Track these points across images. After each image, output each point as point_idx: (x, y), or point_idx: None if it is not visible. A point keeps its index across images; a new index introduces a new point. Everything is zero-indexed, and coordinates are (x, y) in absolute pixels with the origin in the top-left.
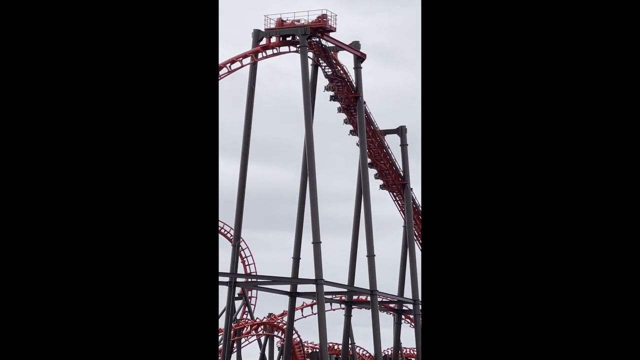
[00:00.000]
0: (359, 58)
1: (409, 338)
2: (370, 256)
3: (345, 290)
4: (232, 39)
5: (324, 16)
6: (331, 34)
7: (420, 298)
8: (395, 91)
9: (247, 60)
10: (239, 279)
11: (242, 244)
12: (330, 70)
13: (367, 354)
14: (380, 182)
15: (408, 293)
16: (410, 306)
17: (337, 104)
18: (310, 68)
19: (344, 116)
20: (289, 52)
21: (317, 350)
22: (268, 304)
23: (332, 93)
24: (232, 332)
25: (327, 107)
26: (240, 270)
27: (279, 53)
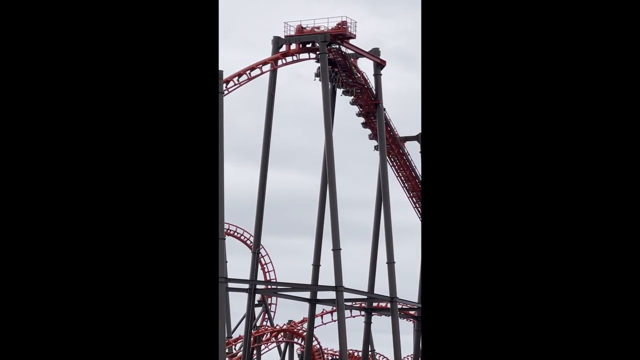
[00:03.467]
0: (379, 65)
1: None
2: (390, 263)
3: (365, 297)
4: (253, 45)
5: (343, 23)
6: (351, 41)
7: None
8: (416, 96)
9: (267, 67)
10: (258, 286)
11: (262, 250)
12: (350, 78)
13: None
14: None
15: None
16: None
17: (358, 109)
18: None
19: (364, 122)
20: (309, 59)
21: (337, 357)
22: (288, 311)
23: (351, 98)
24: (252, 339)
25: (347, 113)
26: (260, 277)
27: (299, 60)
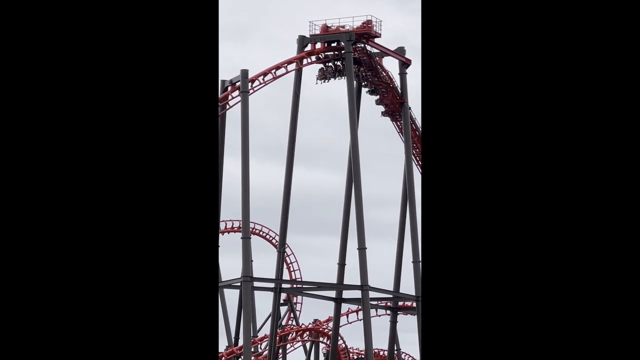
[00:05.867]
0: (404, 64)
1: None
2: (416, 262)
3: (391, 296)
4: (278, 43)
5: (368, 22)
6: (376, 40)
7: None
8: None
9: (292, 66)
10: (284, 285)
11: (287, 249)
12: (375, 77)
13: None
14: None
15: None
16: None
17: (383, 108)
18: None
19: (390, 120)
20: (334, 58)
21: (363, 356)
22: (313, 310)
23: (377, 98)
24: (277, 338)
25: (373, 111)
26: (286, 276)
27: (325, 59)
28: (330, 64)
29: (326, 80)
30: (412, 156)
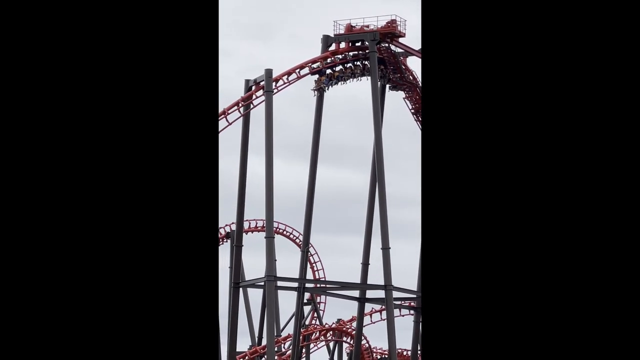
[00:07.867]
0: None
1: None
2: None
3: (415, 296)
4: (302, 42)
5: (393, 21)
6: (400, 39)
7: None
8: None
9: (316, 65)
10: (308, 285)
11: (311, 249)
12: (400, 78)
13: None
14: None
15: None
16: None
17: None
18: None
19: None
20: (359, 57)
21: (386, 356)
22: (337, 310)
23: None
24: (301, 337)
25: (400, 109)
26: (309, 275)
27: (351, 59)
28: (328, 70)
29: (323, 91)
30: None
